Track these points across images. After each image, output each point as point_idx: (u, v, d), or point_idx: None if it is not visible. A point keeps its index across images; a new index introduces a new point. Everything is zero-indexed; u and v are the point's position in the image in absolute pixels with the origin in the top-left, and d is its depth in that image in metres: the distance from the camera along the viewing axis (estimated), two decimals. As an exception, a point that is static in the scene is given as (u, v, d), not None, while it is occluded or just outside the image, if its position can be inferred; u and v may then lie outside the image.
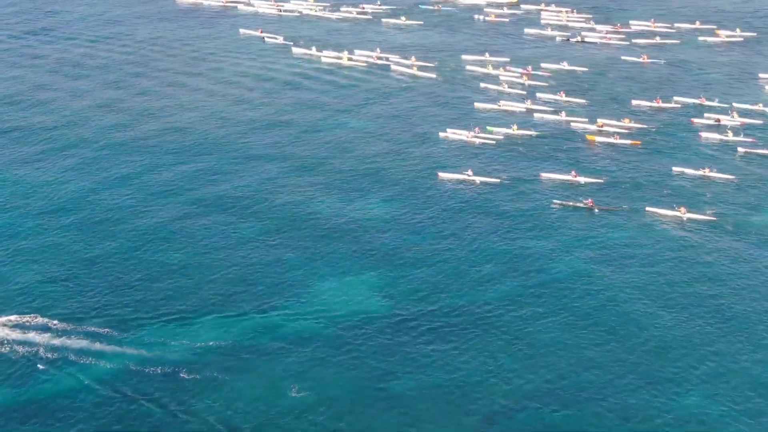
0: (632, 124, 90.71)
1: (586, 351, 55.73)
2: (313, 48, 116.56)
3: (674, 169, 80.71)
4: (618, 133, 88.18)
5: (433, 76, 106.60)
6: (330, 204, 75.38)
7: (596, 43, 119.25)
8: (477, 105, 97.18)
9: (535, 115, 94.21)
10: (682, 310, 59.79)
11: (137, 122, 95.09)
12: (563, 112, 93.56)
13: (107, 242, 69.32)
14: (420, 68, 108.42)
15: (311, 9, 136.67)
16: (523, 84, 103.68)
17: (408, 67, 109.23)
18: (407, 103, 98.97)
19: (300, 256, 67.05)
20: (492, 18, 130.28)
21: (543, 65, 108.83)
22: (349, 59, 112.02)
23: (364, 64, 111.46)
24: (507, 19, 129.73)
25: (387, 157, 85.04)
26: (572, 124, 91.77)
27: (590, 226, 71.25)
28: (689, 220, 71.70)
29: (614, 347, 56.04)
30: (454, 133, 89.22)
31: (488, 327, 58.17)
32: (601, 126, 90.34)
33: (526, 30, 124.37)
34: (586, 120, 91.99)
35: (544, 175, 79.94)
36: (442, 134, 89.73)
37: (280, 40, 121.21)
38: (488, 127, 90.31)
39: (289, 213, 73.79)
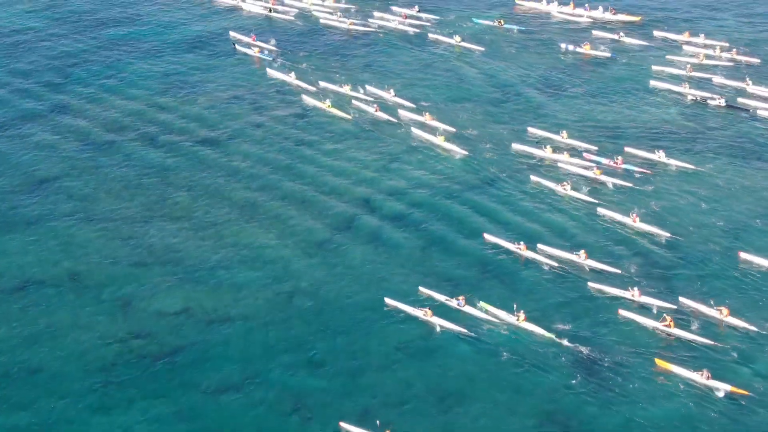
0: (739, 322, 48.69)
1: None
2: (292, 74, 78.75)
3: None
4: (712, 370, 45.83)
5: (464, 152, 66.80)
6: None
7: (748, 111, 73.06)
8: (488, 238, 56.61)
9: (589, 285, 52.68)
10: None
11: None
12: (636, 289, 51.64)
13: None
14: (447, 137, 68.25)
15: (317, 6, 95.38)
16: (593, 181, 62.90)
17: (429, 131, 69.12)
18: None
19: None
20: (586, 50, 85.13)
21: (627, 149, 67.05)
22: (330, 107, 72.75)
23: (351, 117, 71.92)
24: (608, 54, 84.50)
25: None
26: (635, 314, 49.95)
27: None
28: None
29: None
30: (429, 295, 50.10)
31: None
32: (670, 325, 48.74)
33: (652, 83, 77.88)
34: (666, 310, 50.18)
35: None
36: (389, 301, 50.27)
37: (254, 51, 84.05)
38: (480, 303, 49.97)
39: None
